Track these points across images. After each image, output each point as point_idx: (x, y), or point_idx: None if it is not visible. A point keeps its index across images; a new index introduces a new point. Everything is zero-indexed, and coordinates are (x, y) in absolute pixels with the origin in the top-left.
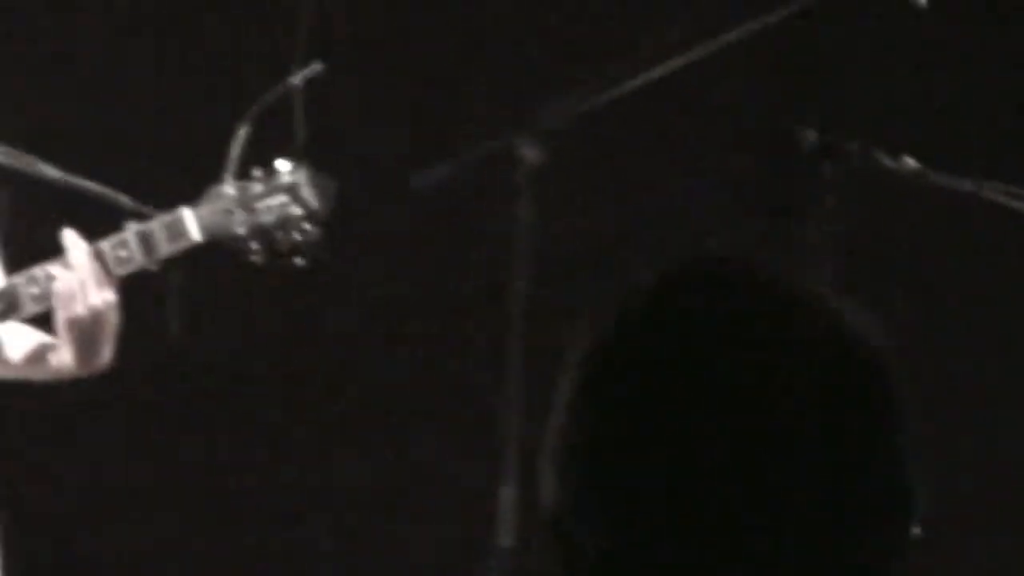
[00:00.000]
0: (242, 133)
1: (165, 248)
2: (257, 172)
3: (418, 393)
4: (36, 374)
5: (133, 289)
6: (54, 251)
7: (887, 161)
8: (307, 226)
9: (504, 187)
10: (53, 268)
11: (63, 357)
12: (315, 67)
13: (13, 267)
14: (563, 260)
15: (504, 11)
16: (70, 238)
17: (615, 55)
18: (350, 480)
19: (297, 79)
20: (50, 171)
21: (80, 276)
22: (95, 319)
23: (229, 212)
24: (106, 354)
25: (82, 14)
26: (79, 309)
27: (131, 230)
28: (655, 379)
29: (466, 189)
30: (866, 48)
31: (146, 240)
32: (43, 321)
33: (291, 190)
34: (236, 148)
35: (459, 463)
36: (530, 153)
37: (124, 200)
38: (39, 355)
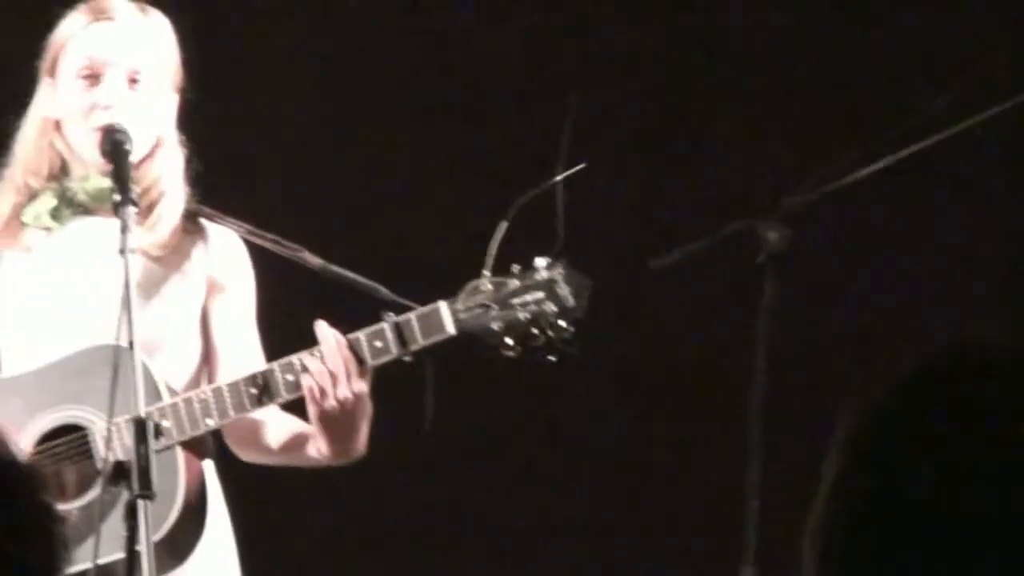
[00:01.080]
0: (501, 229)
1: (420, 340)
2: (515, 268)
3: (660, 473)
4: (294, 461)
5: (388, 380)
6: (314, 340)
7: None
8: (561, 323)
9: (747, 269)
10: (308, 358)
11: (320, 446)
12: (579, 167)
13: (274, 354)
14: (806, 342)
15: (744, 97)
16: (323, 329)
17: (860, 135)
18: (592, 562)
19: (560, 177)
20: (314, 260)
21: (332, 367)
22: (346, 409)
23: (485, 307)
24: (360, 443)
25: (349, 111)
26: (330, 399)
27: (388, 321)
28: (920, 464)
29: (708, 271)
30: None
31: (401, 332)
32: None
33: (547, 287)
34: (495, 244)
35: (701, 542)
36: (773, 234)
37: (383, 292)
38: (297, 444)
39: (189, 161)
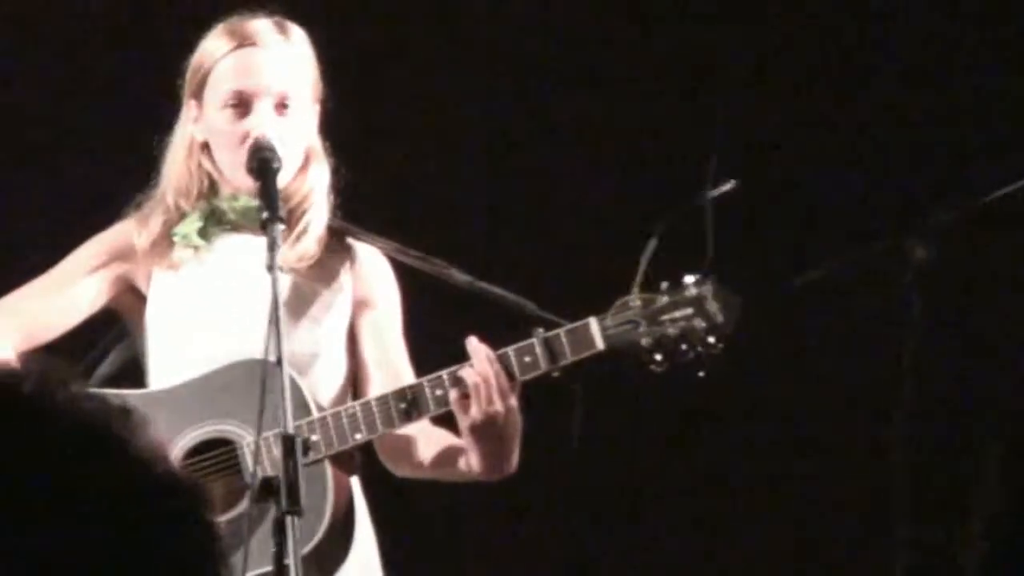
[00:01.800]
0: (651, 246)
1: (569, 356)
2: (664, 285)
3: (805, 490)
4: (445, 476)
5: (538, 396)
6: (463, 355)
7: None
8: (710, 339)
9: (894, 286)
10: (458, 372)
11: (471, 461)
12: (729, 184)
13: (423, 369)
14: (954, 359)
15: (892, 112)
16: (473, 345)
17: (1008, 150)
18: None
19: (710, 195)
20: (461, 277)
21: (482, 382)
22: (495, 423)
23: (634, 323)
24: (511, 459)
25: (496, 128)
26: (481, 413)
27: (537, 337)
28: None
29: (854, 287)
30: None
31: (551, 347)
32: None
33: (696, 303)
34: (645, 261)
35: (846, 559)
36: (920, 251)
37: (531, 307)
38: (449, 458)
39: (336, 170)
